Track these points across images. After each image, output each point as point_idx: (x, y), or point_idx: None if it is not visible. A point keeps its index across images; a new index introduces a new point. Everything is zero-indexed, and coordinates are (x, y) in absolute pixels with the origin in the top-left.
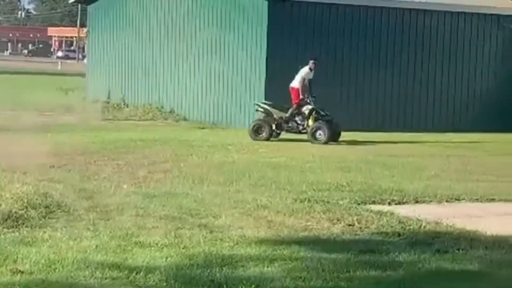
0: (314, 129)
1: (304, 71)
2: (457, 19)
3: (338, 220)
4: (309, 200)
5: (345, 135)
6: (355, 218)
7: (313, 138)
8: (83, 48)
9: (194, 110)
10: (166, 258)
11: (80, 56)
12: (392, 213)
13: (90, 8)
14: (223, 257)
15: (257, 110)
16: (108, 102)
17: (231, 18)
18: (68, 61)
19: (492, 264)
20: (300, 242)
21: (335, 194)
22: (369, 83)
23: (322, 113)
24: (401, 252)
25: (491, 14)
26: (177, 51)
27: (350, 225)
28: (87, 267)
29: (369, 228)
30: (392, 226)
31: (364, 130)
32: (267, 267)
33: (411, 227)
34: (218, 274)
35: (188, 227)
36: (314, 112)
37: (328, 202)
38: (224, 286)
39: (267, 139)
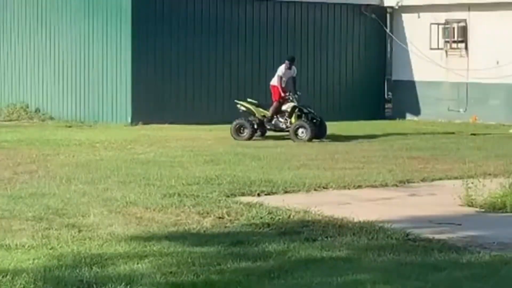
0: (296, 127)
1: (280, 69)
2: (318, 9)
3: (207, 213)
4: (178, 195)
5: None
6: (224, 211)
7: (295, 136)
8: None
9: (60, 109)
10: (34, 260)
11: None
12: (261, 204)
13: None
14: (92, 256)
15: (239, 109)
16: None
17: (94, 13)
18: None
19: (359, 249)
20: (170, 237)
21: (204, 187)
22: (229, 74)
23: (305, 110)
24: (271, 242)
25: (353, 4)
26: (39, 47)
27: (220, 218)
28: None
29: (238, 220)
30: (261, 217)
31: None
32: (137, 264)
33: (280, 217)
34: (87, 274)
35: (56, 227)
36: (296, 110)
37: (197, 196)
38: (94, 285)
39: (249, 139)
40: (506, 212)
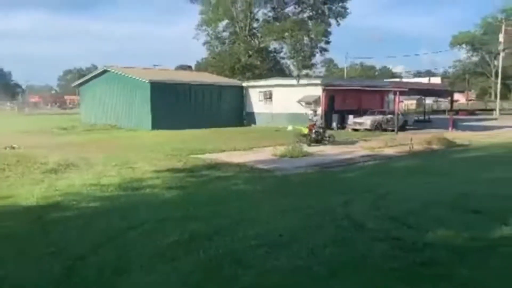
0: (307, 136)
1: (309, 114)
2: (212, 87)
3: (180, 161)
4: (169, 155)
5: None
6: (187, 160)
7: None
8: None
9: (124, 123)
10: (116, 180)
11: None
12: (200, 158)
13: None
14: (138, 178)
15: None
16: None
17: (134, 88)
18: None
19: (236, 172)
20: (168, 170)
21: (178, 151)
22: (189, 113)
23: (315, 128)
24: (204, 171)
25: (230, 86)
26: (115, 103)
27: (185, 163)
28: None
29: (192, 163)
30: (200, 163)
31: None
32: (155, 180)
33: (207, 162)
34: (135, 185)
35: (124, 168)
36: (312, 128)
37: (176, 155)
38: (136, 189)
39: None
40: (287, 158)
